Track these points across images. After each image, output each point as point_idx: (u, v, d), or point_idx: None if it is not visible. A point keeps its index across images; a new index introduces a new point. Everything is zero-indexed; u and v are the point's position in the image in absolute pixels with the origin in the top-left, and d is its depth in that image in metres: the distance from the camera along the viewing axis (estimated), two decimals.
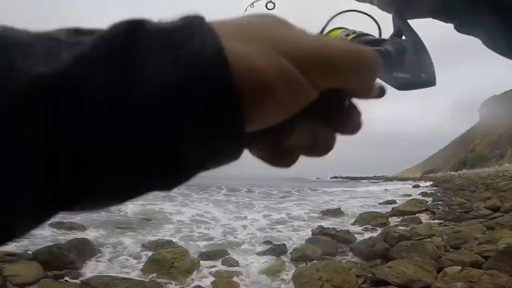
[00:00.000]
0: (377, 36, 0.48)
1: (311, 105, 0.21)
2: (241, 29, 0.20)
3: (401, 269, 3.20)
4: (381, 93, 0.27)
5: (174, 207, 9.09)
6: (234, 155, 0.20)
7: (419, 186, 25.37)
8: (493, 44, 0.50)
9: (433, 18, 0.51)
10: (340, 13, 0.48)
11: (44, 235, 4.79)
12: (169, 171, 0.18)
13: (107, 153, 0.16)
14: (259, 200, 12.84)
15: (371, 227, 6.54)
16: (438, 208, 8.26)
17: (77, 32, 0.18)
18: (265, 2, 0.56)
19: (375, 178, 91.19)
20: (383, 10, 0.50)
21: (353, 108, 0.24)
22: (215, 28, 0.18)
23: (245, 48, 0.18)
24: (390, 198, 12.79)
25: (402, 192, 17.54)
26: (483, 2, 0.46)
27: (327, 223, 7.48)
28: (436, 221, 6.53)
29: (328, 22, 0.47)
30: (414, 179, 50.35)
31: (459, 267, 3.09)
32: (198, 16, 0.18)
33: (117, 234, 5.37)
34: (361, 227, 6.65)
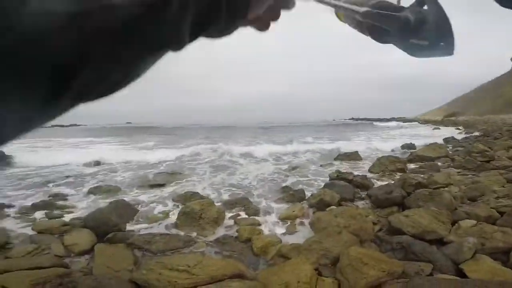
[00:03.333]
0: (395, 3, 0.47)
1: None
2: None
3: (416, 219, 3.21)
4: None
5: (194, 161, 9.34)
6: (242, 17, 0.37)
7: (439, 129, 24.77)
8: None
9: None
10: None
11: (86, 201, 5.00)
12: (215, 16, 0.34)
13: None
14: (276, 145, 12.89)
15: (388, 173, 6.55)
16: (458, 155, 8.10)
17: None
18: None
19: (394, 119, 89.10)
20: None
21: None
22: None
23: None
24: (408, 141, 12.63)
25: (421, 135, 17.23)
26: None
27: (344, 167, 7.60)
28: (455, 169, 6.47)
29: None
30: (435, 122, 49.00)
31: (473, 221, 3.12)
32: None
33: (150, 192, 5.50)
34: (379, 172, 6.65)
